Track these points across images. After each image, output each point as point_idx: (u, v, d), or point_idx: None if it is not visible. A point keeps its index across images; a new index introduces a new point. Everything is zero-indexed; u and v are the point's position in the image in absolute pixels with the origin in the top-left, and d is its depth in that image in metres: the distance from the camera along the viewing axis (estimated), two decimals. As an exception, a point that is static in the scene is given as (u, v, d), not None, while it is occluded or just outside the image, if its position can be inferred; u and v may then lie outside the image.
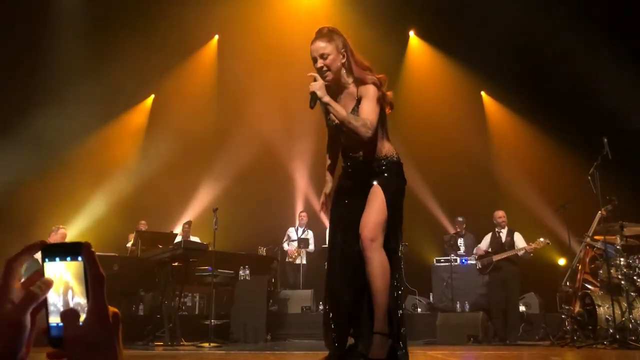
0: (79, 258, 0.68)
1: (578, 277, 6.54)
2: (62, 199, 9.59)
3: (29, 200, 9.09)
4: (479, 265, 7.65)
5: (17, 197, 9.02)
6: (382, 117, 2.91)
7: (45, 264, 0.68)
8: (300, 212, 9.91)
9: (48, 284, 0.67)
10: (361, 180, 2.94)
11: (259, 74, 10.62)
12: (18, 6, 9.27)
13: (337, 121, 2.81)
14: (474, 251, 8.13)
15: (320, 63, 2.85)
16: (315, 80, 2.76)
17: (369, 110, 2.75)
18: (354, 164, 2.98)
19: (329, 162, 3.26)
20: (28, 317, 0.66)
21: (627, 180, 7.75)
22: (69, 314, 0.66)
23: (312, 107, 2.75)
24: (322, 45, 2.85)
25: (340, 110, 2.73)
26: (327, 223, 9.75)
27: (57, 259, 0.68)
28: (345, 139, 2.98)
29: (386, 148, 2.95)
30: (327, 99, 2.72)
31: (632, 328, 5.51)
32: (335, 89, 2.96)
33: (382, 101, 2.85)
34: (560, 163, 9.07)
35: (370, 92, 2.80)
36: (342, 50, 2.87)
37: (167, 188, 10.60)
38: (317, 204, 10.34)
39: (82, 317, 0.67)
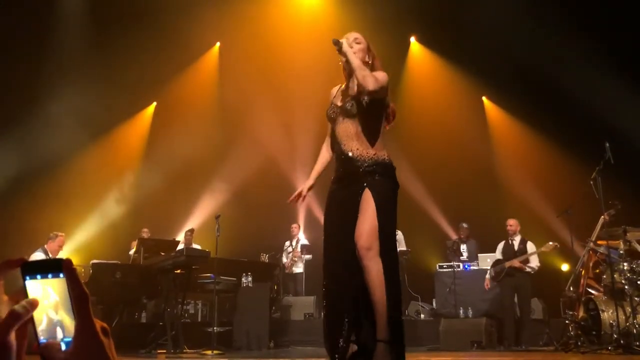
0: (61, 275, 0.65)
1: (581, 282, 6.51)
2: (65, 206, 9.61)
3: (32, 208, 9.11)
4: (492, 273, 7.54)
5: (19, 205, 9.04)
6: (380, 118, 3.01)
7: (26, 282, 0.66)
8: (292, 225, 9.91)
9: (33, 305, 0.65)
10: (352, 182, 2.90)
11: (261, 80, 10.65)
12: (18, 14, 9.31)
13: (340, 106, 2.99)
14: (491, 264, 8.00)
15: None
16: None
17: (381, 75, 2.94)
18: (345, 161, 2.94)
19: (320, 159, 3.26)
20: (13, 336, 0.64)
21: (630, 185, 7.73)
22: (47, 348, 0.64)
23: (337, 50, 2.99)
24: (356, 34, 3.12)
25: (357, 60, 2.93)
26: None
27: (38, 276, 0.66)
28: (340, 130, 2.98)
29: (379, 149, 2.95)
30: (347, 48, 2.95)
31: (637, 333, 5.47)
32: (350, 82, 3.07)
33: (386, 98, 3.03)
34: (562, 168, 9.06)
35: (382, 73, 2.97)
36: (369, 53, 3.09)
37: (169, 195, 10.62)
38: (318, 211, 10.38)
39: (64, 333, 0.65)
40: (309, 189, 3.21)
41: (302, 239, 9.88)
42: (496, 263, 7.53)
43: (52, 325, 0.66)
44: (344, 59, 3.01)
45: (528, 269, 7.28)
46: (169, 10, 10.00)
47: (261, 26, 10.55)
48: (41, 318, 0.66)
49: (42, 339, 0.66)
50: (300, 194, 3.20)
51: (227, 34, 11.00)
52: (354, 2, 10.13)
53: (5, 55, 9.13)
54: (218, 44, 11.73)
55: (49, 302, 0.66)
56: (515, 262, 7.28)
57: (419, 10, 10.10)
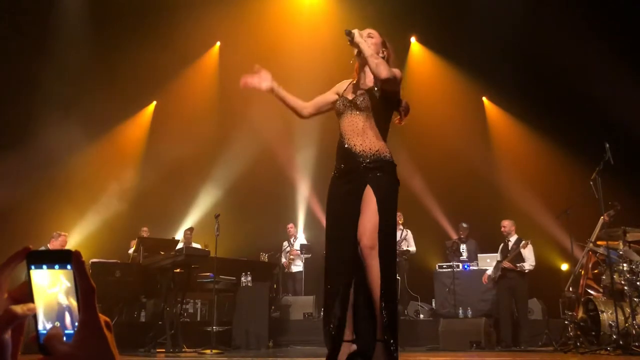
0: (68, 266, 0.65)
1: (581, 282, 6.52)
2: (64, 205, 9.61)
3: (31, 207, 9.11)
4: (492, 275, 7.55)
5: (19, 204, 9.03)
6: (388, 115, 3.05)
7: (31, 272, 0.65)
8: (288, 225, 9.91)
9: (31, 310, 0.65)
10: (354, 178, 2.90)
11: (261, 80, 10.62)
12: (18, 13, 9.31)
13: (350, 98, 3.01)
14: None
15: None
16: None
17: (395, 68, 2.93)
18: (347, 156, 2.93)
19: (295, 97, 3.23)
20: (8, 334, 0.64)
21: (630, 186, 7.74)
22: (50, 339, 0.64)
23: (349, 41, 2.95)
24: (370, 30, 3.10)
25: (370, 48, 2.92)
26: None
27: (45, 266, 0.65)
28: (346, 124, 2.98)
29: (382, 146, 2.94)
30: (359, 39, 2.92)
31: (636, 334, 5.47)
32: (362, 77, 3.07)
33: (398, 94, 3.05)
34: (562, 168, 9.06)
35: (396, 69, 2.97)
36: (383, 49, 3.06)
37: (169, 194, 10.62)
38: (318, 210, 10.40)
39: (72, 317, 0.65)
40: (268, 80, 3.13)
41: (301, 238, 9.89)
42: (497, 264, 7.56)
43: (61, 310, 0.65)
44: (355, 52, 2.98)
45: (520, 269, 7.28)
46: (169, 10, 10.00)
47: (261, 26, 10.55)
48: (48, 304, 0.65)
49: (41, 330, 0.65)
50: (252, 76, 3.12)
51: (227, 34, 11.00)
52: (354, 2, 10.14)
53: (5, 54, 9.13)
54: (218, 43, 11.73)
55: (60, 288, 0.65)
56: (505, 262, 7.30)
57: (419, 10, 10.10)
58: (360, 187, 2.86)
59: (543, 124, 9.57)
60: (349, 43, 2.96)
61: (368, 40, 2.99)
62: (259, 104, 10.70)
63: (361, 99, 2.97)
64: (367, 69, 3.02)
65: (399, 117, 3.11)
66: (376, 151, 2.90)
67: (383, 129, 2.99)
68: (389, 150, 2.97)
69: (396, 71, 2.92)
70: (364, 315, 2.81)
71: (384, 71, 2.82)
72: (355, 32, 2.94)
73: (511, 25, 9.17)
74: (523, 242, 7.28)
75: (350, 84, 3.17)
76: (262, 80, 3.14)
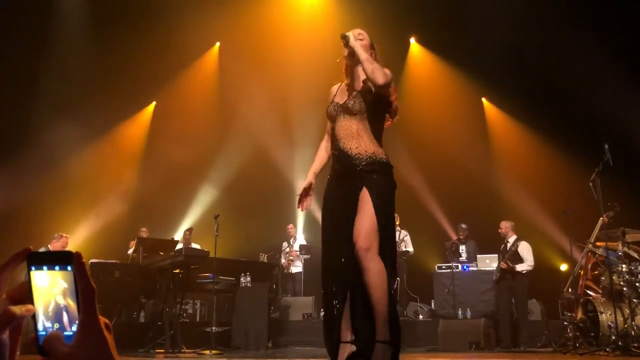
0: (69, 268, 0.65)
1: (580, 283, 6.52)
2: (64, 205, 9.61)
3: (32, 208, 9.10)
4: (495, 277, 7.57)
5: (19, 205, 9.03)
6: (382, 116, 3.03)
7: (32, 273, 0.65)
8: (288, 225, 9.91)
9: (29, 311, 0.65)
10: (350, 180, 2.89)
11: (260, 81, 10.65)
12: (18, 13, 9.31)
13: (342, 101, 3.01)
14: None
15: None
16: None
17: (387, 70, 2.92)
18: (343, 159, 2.92)
19: (318, 158, 3.23)
20: (6, 335, 0.64)
21: (629, 187, 7.74)
22: (50, 340, 0.64)
23: (344, 44, 2.99)
24: (360, 30, 3.10)
25: (365, 52, 2.93)
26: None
27: (45, 267, 0.65)
28: (340, 128, 2.96)
29: (377, 147, 2.93)
30: (354, 43, 2.94)
31: (635, 335, 5.48)
32: (353, 79, 3.07)
33: (390, 96, 3.02)
34: (561, 169, 9.07)
35: (387, 70, 2.95)
36: (371, 51, 3.06)
37: (168, 194, 10.62)
38: (318, 211, 10.39)
39: (70, 317, 0.65)
40: (311, 187, 3.14)
41: (301, 238, 9.89)
42: (498, 265, 7.56)
43: (59, 309, 0.66)
44: (345, 54, 2.99)
45: (519, 269, 7.29)
46: (169, 10, 10.00)
47: (261, 26, 10.55)
48: (48, 305, 0.66)
49: (40, 332, 0.65)
50: (304, 195, 3.14)
51: (227, 34, 11.01)
52: (354, 3, 10.15)
53: (5, 54, 9.13)
54: (218, 43, 11.73)
55: (58, 289, 0.66)
56: (502, 264, 7.32)
57: (419, 11, 10.11)
58: (357, 189, 2.85)
59: (542, 125, 9.58)
60: (343, 45, 2.98)
61: (357, 41, 2.99)
62: (258, 105, 10.72)
63: (353, 102, 2.94)
64: (358, 71, 3.01)
65: (389, 119, 3.10)
66: (372, 153, 2.89)
67: (377, 130, 2.98)
68: (385, 152, 2.97)
69: (389, 74, 2.91)
70: (362, 316, 2.80)
71: (380, 78, 2.81)
72: (350, 35, 2.97)
73: (511, 26, 9.17)
74: (517, 243, 7.30)
75: (339, 87, 3.16)
76: (309, 194, 3.17)
